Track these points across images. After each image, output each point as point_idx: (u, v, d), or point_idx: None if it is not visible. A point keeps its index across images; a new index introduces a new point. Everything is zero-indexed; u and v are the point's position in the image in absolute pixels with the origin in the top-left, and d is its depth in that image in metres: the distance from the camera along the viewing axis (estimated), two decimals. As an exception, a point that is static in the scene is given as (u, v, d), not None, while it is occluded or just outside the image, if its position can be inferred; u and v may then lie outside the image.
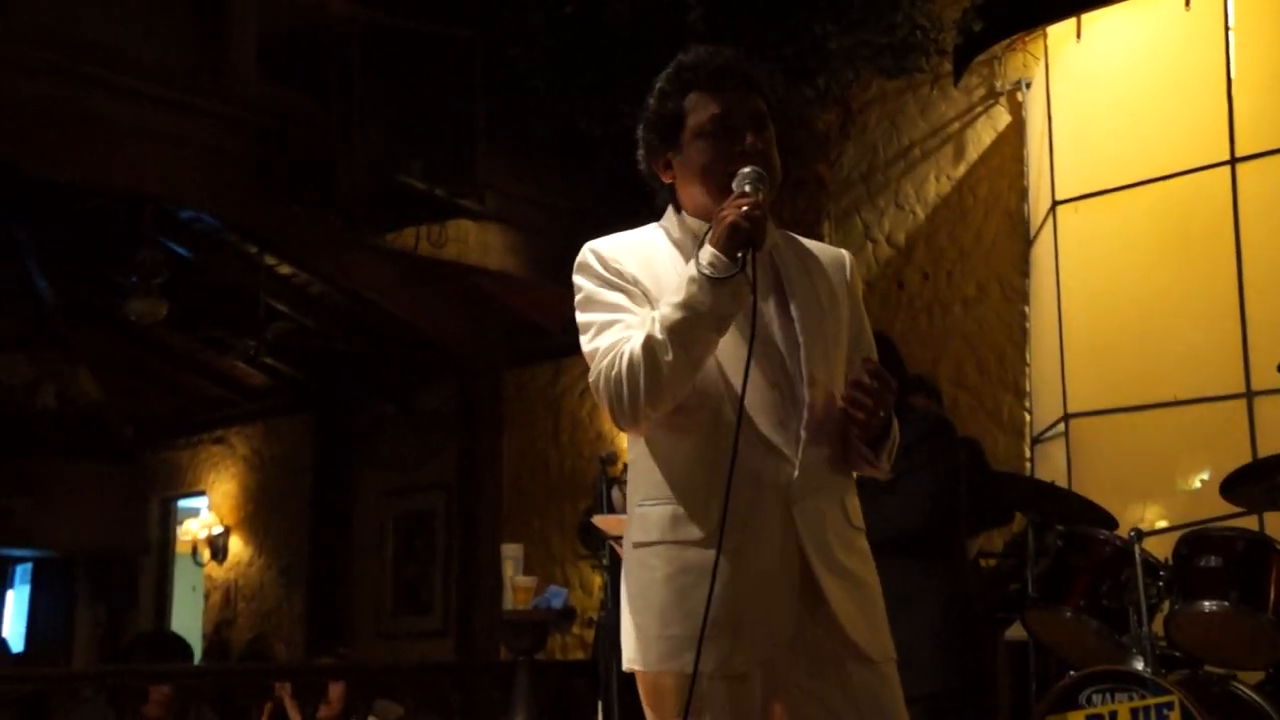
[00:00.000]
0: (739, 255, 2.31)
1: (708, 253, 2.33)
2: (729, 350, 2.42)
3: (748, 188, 2.39)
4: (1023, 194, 7.34)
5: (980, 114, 7.33)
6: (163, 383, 12.14)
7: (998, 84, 7.31)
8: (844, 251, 2.76)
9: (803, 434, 2.45)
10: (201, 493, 12.10)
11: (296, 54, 6.49)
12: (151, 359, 11.81)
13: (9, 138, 5.98)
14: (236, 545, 11.58)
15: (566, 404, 9.03)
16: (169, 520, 12.51)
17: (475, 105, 6.55)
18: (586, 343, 2.52)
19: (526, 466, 9.13)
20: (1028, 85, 7.31)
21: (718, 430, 2.41)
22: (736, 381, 2.38)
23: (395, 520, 10.22)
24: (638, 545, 2.52)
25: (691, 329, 2.33)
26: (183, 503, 12.54)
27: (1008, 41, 7.06)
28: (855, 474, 2.61)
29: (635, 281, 2.53)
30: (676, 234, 2.61)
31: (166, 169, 6.45)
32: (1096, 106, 7.03)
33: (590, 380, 2.50)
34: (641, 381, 2.35)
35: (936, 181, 7.38)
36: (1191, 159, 6.62)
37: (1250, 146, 6.47)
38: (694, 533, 2.41)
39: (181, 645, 9.00)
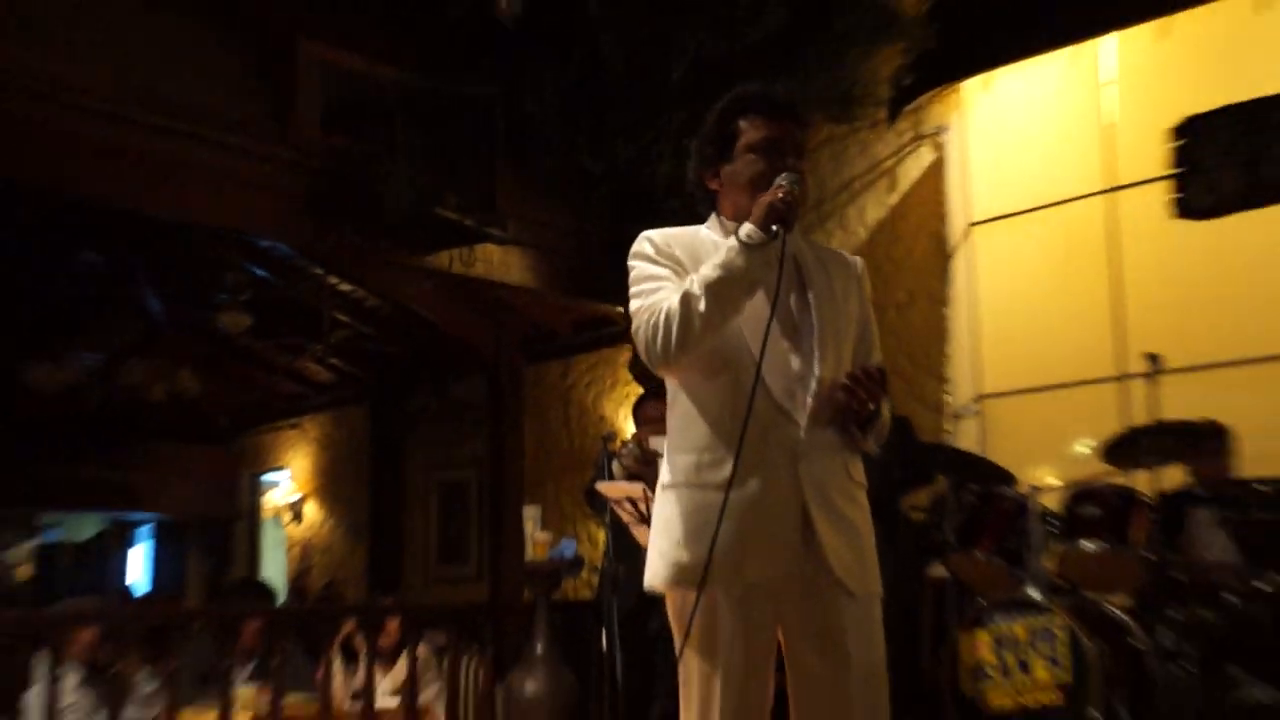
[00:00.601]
0: (773, 229, 2.34)
1: (747, 226, 2.36)
2: (753, 324, 2.41)
3: (784, 181, 2.41)
4: (944, 218, 7.37)
5: (909, 153, 7.37)
6: (248, 380, 12.09)
7: (923, 128, 7.35)
8: (858, 258, 2.74)
9: (809, 402, 2.44)
10: (282, 468, 12.10)
11: (350, 110, 6.47)
12: (238, 361, 11.76)
13: (124, 184, 6.03)
14: (311, 510, 11.59)
15: (575, 394, 9.08)
16: (256, 491, 12.47)
17: (496, 149, 6.56)
18: (634, 304, 2.52)
19: (543, 444, 9.15)
20: (947, 129, 7.37)
21: (738, 394, 2.39)
22: (758, 351, 2.38)
23: (438, 488, 10.23)
24: (665, 487, 2.52)
25: (724, 286, 2.33)
26: (267, 477, 12.50)
27: (931, 93, 7.11)
28: None
29: (679, 261, 2.52)
30: (718, 232, 2.59)
31: (246, 206, 6.46)
32: (1002, 145, 7.12)
33: (633, 331, 2.50)
34: (675, 326, 2.35)
35: (874, 208, 7.44)
36: (1079, 188, 6.75)
37: (1126, 178, 6.62)
38: (712, 478, 2.40)
39: (268, 590, 9.08)
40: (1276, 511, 3.96)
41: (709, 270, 2.36)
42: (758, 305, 2.42)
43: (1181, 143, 6.44)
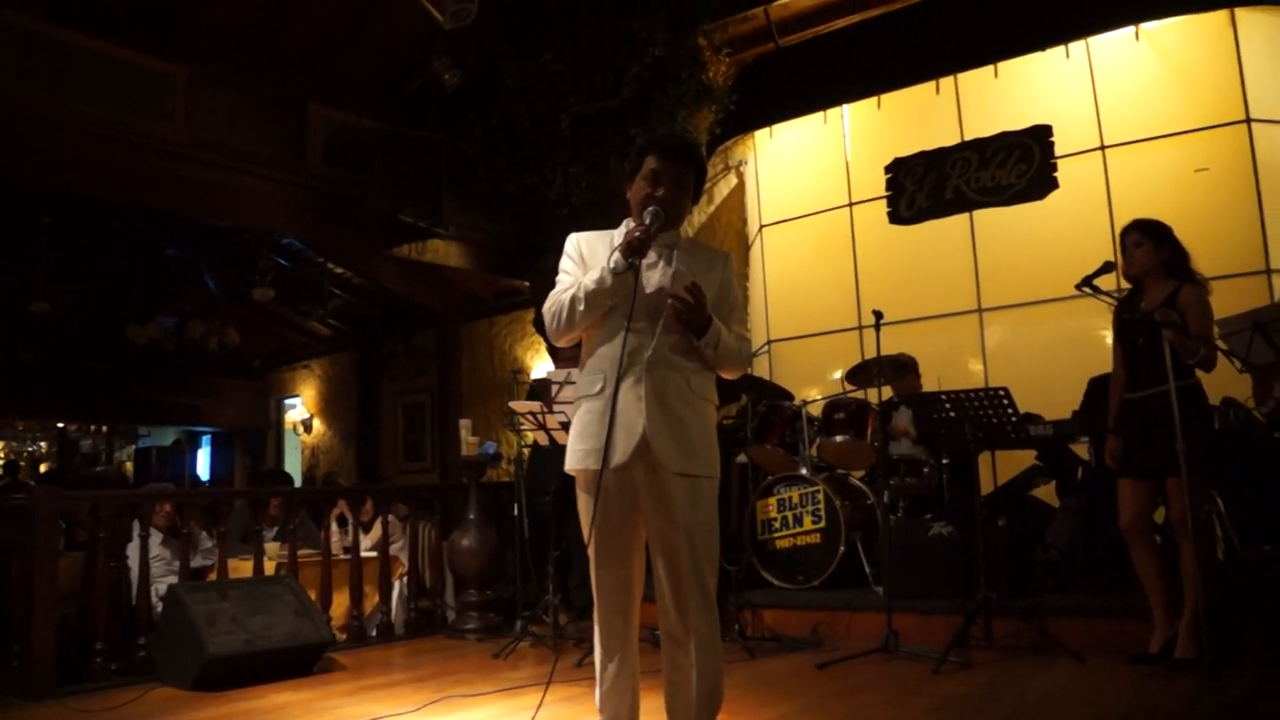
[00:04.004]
0: (630, 260, 2.23)
1: (615, 256, 2.24)
2: (625, 303, 2.28)
3: (647, 219, 2.25)
4: (745, 221, 7.34)
5: (721, 178, 7.27)
6: (273, 335, 11.78)
7: (730, 162, 7.26)
8: (727, 252, 2.51)
9: (657, 334, 2.28)
10: (297, 396, 11.70)
11: (343, 150, 6.35)
12: (267, 322, 11.47)
13: (192, 202, 6.01)
14: (317, 425, 11.25)
15: (496, 342, 8.83)
16: (280, 411, 12.04)
17: (441, 175, 6.39)
18: (555, 288, 2.38)
19: (474, 377, 8.92)
20: (745, 162, 7.31)
21: (616, 336, 2.28)
22: (626, 315, 2.27)
23: (403, 408, 10.00)
24: (576, 399, 2.39)
25: (595, 296, 2.26)
26: (287, 401, 12.03)
27: (734, 139, 7.02)
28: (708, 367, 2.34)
29: (584, 257, 2.38)
30: (623, 230, 2.39)
31: (273, 215, 6.39)
32: (781, 174, 7.08)
33: (544, 309, 2.38)
34: (563, 316, 2.30)
35: (699, 215, 7.30)
36: (830, 202, 6.74)
37: (858, 196, 6.63)
38: (595, 390, 2.30)
39: (289, 477, 8.87)
40: (954, 415, 3.94)
41: (588, 282, 2.26)
42: (630, 291, 2.30)
43: (891, 175, 6.48)
